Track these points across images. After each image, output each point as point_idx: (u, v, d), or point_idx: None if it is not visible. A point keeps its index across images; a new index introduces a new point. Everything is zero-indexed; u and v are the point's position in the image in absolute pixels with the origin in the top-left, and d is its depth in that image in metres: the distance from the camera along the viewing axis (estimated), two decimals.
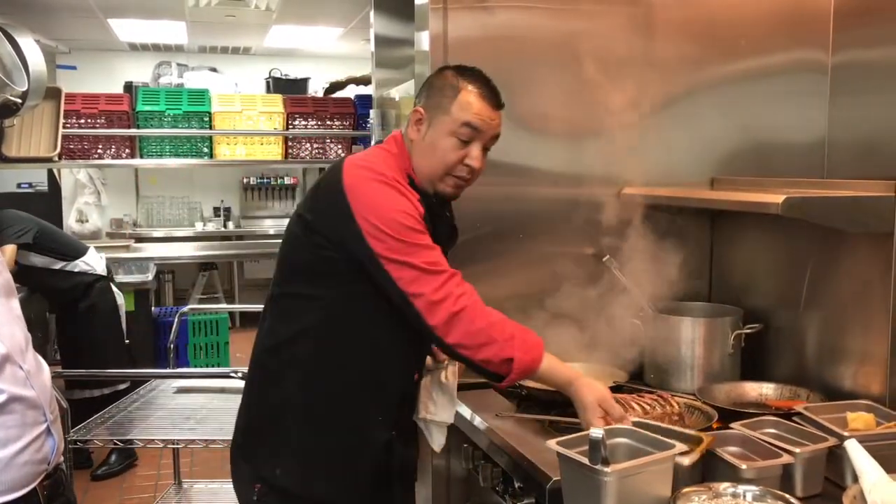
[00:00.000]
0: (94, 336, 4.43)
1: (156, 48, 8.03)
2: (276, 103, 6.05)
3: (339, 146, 6.06)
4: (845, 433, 1.57)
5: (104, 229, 7.59)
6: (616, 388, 2.10)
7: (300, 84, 7.48)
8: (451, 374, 1.99)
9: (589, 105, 2.40)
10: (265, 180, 8.45)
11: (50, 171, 6.17)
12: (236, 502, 2.00)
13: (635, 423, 1.66)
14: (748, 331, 2.27)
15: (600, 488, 1.39)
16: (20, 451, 1.58)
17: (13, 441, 1.57)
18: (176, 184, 8.22)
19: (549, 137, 2.39)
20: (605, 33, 2.40)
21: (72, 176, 7.40)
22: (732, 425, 1.70)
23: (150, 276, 5.45)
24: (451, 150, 1.81)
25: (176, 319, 4.06)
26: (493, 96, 1.84)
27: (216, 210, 8.37)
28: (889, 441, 1.58)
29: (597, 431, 1.38)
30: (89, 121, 5.49)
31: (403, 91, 3.22)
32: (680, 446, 1.48)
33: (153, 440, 3.02)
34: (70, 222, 7.13)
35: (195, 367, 5.71)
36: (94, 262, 4.46)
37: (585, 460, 1.40)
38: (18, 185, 6.39)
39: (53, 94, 5.00)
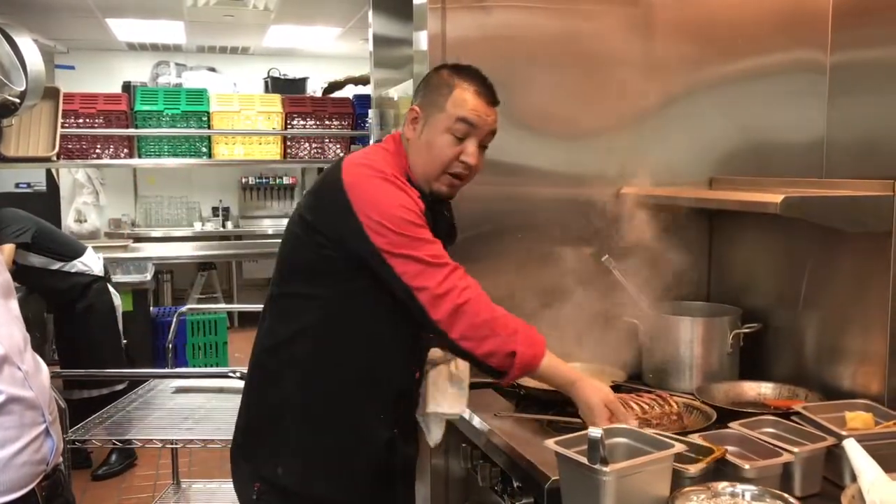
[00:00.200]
0: (91, 336, 4.43)
1: (154, 48, 8.02)
2: (275, 103, 6.05)
3: (338, 146, 6.07)
4: (844, 432, 1.57)
5: (102, 229, 7.58)
6: (615, 388, 2.09)
7: (299, 84, 7.48)
8: (462, 364, 1.99)
9: (588, 105, 2.40)
10: (264, 180, 8.45)
11: (48, 171, 6.14)
12: (235, 502, 2.00)
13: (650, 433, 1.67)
14: (747, 330, 2.27)
15: (599, 488, 1.39)
16: (19, 451, 1.57)
17: (11, 442, 1.56)
18: (174, 184, 8.22)
19: (547, 137, 2.39)
20: (604, 33, 2.40)
21: (70, 176, 7.40)
22: (731, 425, 1.70)
23: (148, 276, 5.45)
24: (446, 146, 1.81)
25: (174, 319, 4.05)
26: (488, 93, 1.84)
27: (215, 210, 8.37)
28: (887, 440, 1.58)
29: (595, 431, 1.38)
30: (87, 120, 5.48)
31: (402, 91, 3.21)
32: (679, 446, 1.48)
33: (152, 440, 3.02)
34: (68, 222, 7.12)
35: (194, 367, 5.71)
36: (91, 262, 4.45)
37: (584, 460, 1.40)
38: (17, 185, 6.37)
39: (52, 93, 5.00)
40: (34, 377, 1.65)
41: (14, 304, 1.71)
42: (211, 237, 7.92)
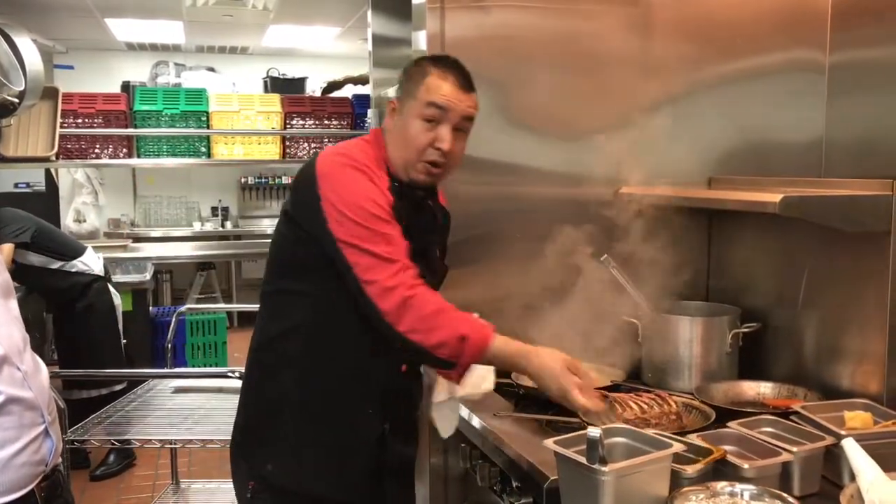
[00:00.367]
0: (91, 336, 4.42)
1: (153, 48, 8.02)
2: (274, 103, 6.05)
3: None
4: (843, 432, 1.57)
5: (102, 229, 7.58)
6: (614, 388, 2.10)
7: (298, 84, 7.48)
8: None
9: (587, 104, 2.41)
10: (263, 180, 8.45)
11: (47, 171, 6.15)
12: (234, 502, 2.00)
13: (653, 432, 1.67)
14: (746, 330, 2.27)
15: (598, 487, 1.39)
16: (18, 452, 1.57)
17: (11, 442, 1.56)
18: (173, 183, 8.21)
19: (546, 137, 2.39)
20: (603, 33, 2.40)
21: (69, 176, 7.39)
22: (730, 424, 1.70)
23: (147, 276, 5.45)
24: (419, 132, 1.82)
25: (173, 319, 4.05)
26: (459, 78, 1.85)
27: (214, 210, 8.37)
28: (886, 440, 1.58)
29: (594, 431, 1.38)
30: (86, 120, 5.48)
31: None
32: (678, 446, 1.48)
33: (151, 440, 3.02)
34: (68, 222, 7.12)
35: (193, 366, 5.71)
36: (91, 262, 4.45)
37: (583, 459, 1.40)
38: (16, 185, 6.37)
39: (51, 93, 5.00)
40: (33, 377, 1.65)
41: (14, 304, 1.71)
42: (210, 237, 7.92)
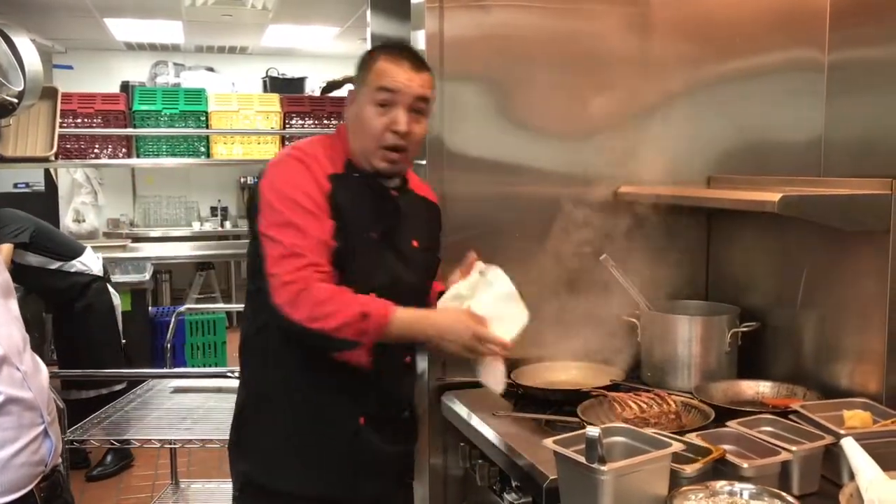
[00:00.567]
0: (90, 336, 4.42)
1: (152, 48, 8.02)
2: (273, 103, 6.05)
3: None
4: (842, 431, 1.57)
5: (101, 229, 7.57)
6: (613, 387, 2.10)
7: (297, 83, 7.48)
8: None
9: (586, 104, 2.40)
10: None
11: (46, 171, 6.14)
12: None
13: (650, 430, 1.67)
14: (745, 329, 2.27)
15: (597, 487, 1.39)
16: (17, 452, 1.57)
17: (10, 443, 1.56)
18: (173, 183, 8.21)
19: (545, 136, 2.39)
20: (602, 32, 2.40)
21: (68, 176, 7.38)
22: (729, 424, 1.70)
23: (146, 276, 5.44)
24: (373, 117, 1.83)
25: (173, 319, 4.05)
26: (408, 59, 1.86)
27: (213, 210, 8.37)
28: (886, 439, 1.58)
29: (593, 430, 1.38)
30: (86, 120, 5.48)
31: None
32: (677, 445, 1.48)
33: (150, 440, 3.02)
34: (67, 222, 7.11)
35: (192, 366, 5.71)
36: (90, 262, 4.45)
37: (582, 459, 1.40)
38: (15, 185, 6.36)
39: (50, 93, 4.99)
40: (33, 378, 1.65)
41: (14, 305, 1.71)
42: (209, 237, 7.92)
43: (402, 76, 1.83)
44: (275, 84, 7.47)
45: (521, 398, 2.18)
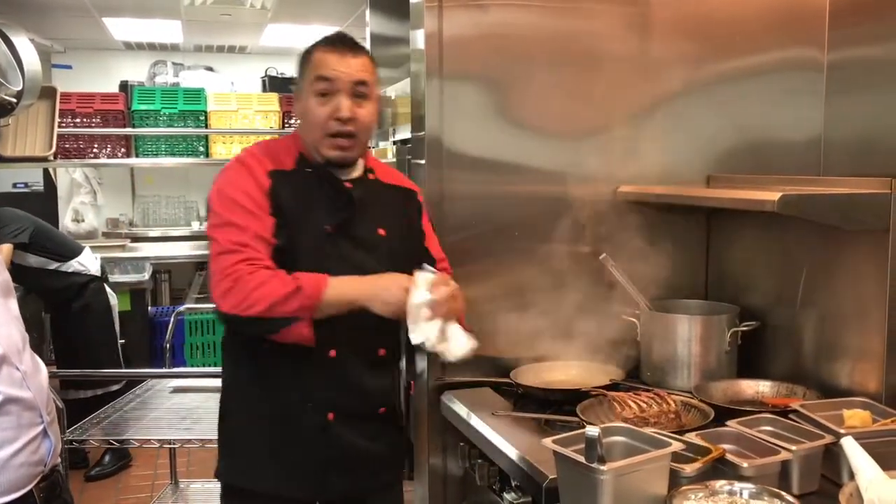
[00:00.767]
0: (87, 336, 4.42)
1: (151, 47, 8.00)
2: (272, 102, 6.05)
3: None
4: (842, 430, 1.57)
5: (100, 229, 7.56)
6: (613, 387, 2.10)
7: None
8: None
9: (585, 103, 2.40)
10: None
11: (46, 171, 6.14)
12: None
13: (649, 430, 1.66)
14: (745, 328, 2.27)
15: (597, 486, 1.38)
16: (16, 452, 1.57)
17: (9, 443, 1.56)
18: (172, 183, 8.19)
19: (544, 136, 2.39)
20: (602, 32, 2.40)
21: (67, 175, 7.37)
22: (729, 423, 1.70)
23: (146, 276, 5.44)
24: (316, 108, 1.86)
25: (172, 319, 4.05)
26: (342, 46, 1.89)
27: None
28: (885, 438, 1.58)
29: (593, 430, 1.38)
30: (85, 120, 5.48)
31: (399, 90, 3.21)
32: (676, 444, 1.48)
33: (149, 440, 3.02)
34: (66, 222, 7.10)
35: (192, 366, 5.70)
36: (88, 262, 4.45)
37: (582, 458, 1.40)
38: (14, 185, 6.37)
39: (48, 93, 4.99)
40: (32, 377, 1.65)
41: (13, 304, 1.71)
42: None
43: (338, 63, 1.85)
44: (274, 83, 7.45)
45: (521, 398, 2.18)
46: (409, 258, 1.96)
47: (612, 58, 2.41)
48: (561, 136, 2.40)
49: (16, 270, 4.09)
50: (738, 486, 1.43)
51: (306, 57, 1.91)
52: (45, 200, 6.06)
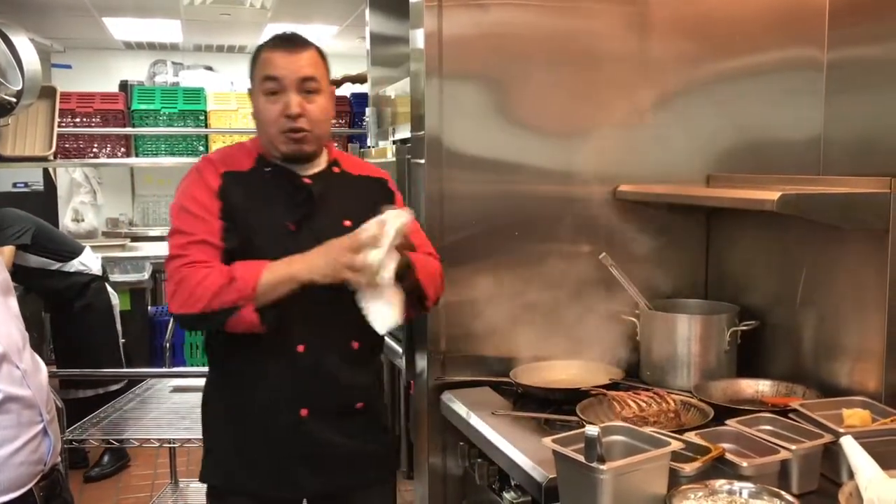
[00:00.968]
0: (89, 336, 4.41)
1: (151, 47, 8.00)
2: None
3: (336, 144, 6.05)
4: (841, 430, 1.57)
5: (100, 228, 7.56)
6: (612, 386, 2.10)
7: None
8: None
9: (584, 103, 2.40)
10: None
11: (45, 171, 6.14)
12: None
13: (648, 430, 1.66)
14: (744, 328, 2.27)
15: (596, 486, 1.38)
16: (16, 451, 1.57)
17: (9, 441, 1.56)
18: (172, 183, 8.13)
19: (544, 135, 2.39)
20: (601, 31, 2.40)
21: (67, 175, 7.38)
22: (728, 422, 1.70)
23: (146, 276, 5.44)
24: (267, 107, 1.88)
25: (172, 318, 4.04)
26: (287, 44, 1.91)
27: None
28: (885, 437, 1.59)
29: (592, 429, 1.38)
30: (84, 120, 5.47)
31: (399, 89, 3.21)
32: (676, 444, 1.48)
33: (149, 439, 3.02)
34: (66, 221, 7.10)
35: (191, 366, 5.70)
36: (89, 261, 4.45)
37: (581, 458, 1.40)
38: (14, 185, 6.37)
39: (48, 92, 4.98)
40: (32, 376, 1.65)
41: (13, 303, 1.71)
42: None
43: (284, 61, 1.87)
44: None
45: (521, 397, 2.18)
46: None
47: (611, 57, 2.41)
48: (561, 135, 2.40)
49: (18, 271, 4.09)
50: (737, 485, 1.43)
51: (254, 58, 1.93)
52: (44, 200, 6.06)
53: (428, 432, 2.34)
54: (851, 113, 2.48)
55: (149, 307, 5.62)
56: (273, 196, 1.90)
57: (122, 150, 5.64)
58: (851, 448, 1.43)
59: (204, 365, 2.12)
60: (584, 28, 2.39)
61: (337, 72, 6.75)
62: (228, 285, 1.74)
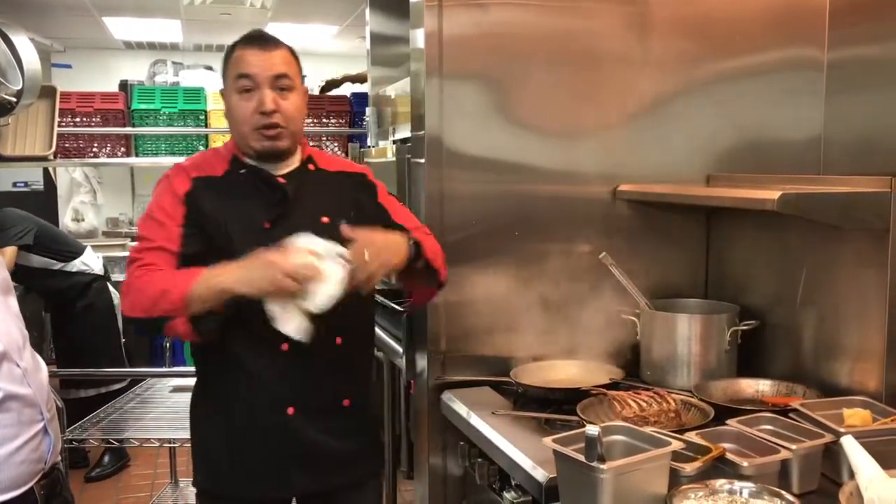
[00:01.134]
0: (90, 336, 4.42)
1: (151, 46, 8.00)
2: None
3: (336, 144, 6.06)
4: (842, 429, 1.57)
5: (100, 228, 7.56)
6: (613, 386, 2.10)
7: None
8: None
9: (584, 102, 2.40)
10: None
11: (45, 170, 6.14)
12: None
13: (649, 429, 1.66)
14: (744, 327, 2.27)
15: (596, 485, 1.38)
16: (17, 449, 1.58)
17: (10, 440, 1.57)
18: None
19: (544, 135, 2.39)
20: (601, 31, 2.40)
21: (67, 175, 7.38)
22: (729, 422, 1.70)
23: None
24: (240, 105, 1.89)
25: None
26: (259, 42, 1.91)
27: None
28: (885, 437, 1.58)
29: (593, 429, 1.38)
30: (84, 119, 5.47)
31: (399, 89, 3.21)
32: (676, 443, 1.48)
33: (149, 439, 3.02)
34: (66, 221, 7.11)
35: (191, 365, 5.69)
36: (91, 261, 4.45)
37: (582, 458, 1.40)
38: (14, 185, 6.37)
39: (48, 92, 4.98)
40: (33, 375, 1.65)
41: (13, 302, 1.71)
42: None
43: (255, 59, 1.88)
44: None
45: (521, 397, 2.18)
46: None
47: (611, 57, 2.41)
48: (561, 135, 2.40)
49: (20, 271, 4.09)
50: (738, 485, 1.43)
51: (227, 57, 1.93)
52: (44, 200, 6.05)
53: (428, 432, 2.34)
54: (851, 113, 2.48)
55: None
56: (247, 196, 1.90)
57: (122, 149, 5.64)
58: (852, 448, 1.43)
59: None
60: (584, 28, 2.39)
61: (337, 72, 6.77)
62: (161, 296, 1.75)
